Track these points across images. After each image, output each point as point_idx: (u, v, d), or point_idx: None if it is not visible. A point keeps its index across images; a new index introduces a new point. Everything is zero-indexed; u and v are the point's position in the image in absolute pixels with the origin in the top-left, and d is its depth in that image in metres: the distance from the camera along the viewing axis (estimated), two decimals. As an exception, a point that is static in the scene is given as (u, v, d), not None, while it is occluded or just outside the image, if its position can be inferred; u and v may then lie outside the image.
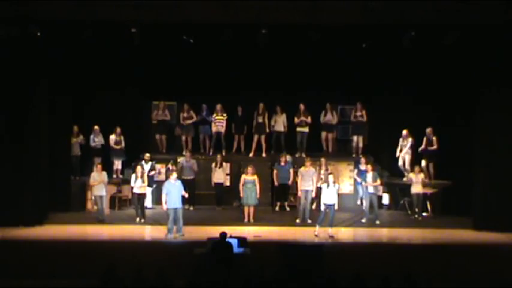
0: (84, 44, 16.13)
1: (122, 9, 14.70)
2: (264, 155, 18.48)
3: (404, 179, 17.52)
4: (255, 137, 18.46)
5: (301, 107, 18.32)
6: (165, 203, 14.97)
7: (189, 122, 18.64)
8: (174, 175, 15.39)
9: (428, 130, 17.21)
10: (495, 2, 14.64)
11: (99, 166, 16.64)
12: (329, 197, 15.21)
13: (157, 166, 17.86)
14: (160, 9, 14.64)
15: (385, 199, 17.89)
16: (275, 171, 17.32)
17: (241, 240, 13.56)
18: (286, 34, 15.89)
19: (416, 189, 16.72)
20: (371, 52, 16.87)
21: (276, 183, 17.37)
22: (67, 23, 15.11)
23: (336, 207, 15.25)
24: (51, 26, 15.21)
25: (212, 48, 16.87)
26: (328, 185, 15.25)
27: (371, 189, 16.39)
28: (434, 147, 17.17)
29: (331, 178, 15.36)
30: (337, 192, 15.38)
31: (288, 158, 17.47)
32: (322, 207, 15.34)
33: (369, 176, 16.39)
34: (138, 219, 16.30)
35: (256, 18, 14.92)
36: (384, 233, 16.05)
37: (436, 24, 15.03)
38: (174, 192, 15.02)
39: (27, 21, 14.96)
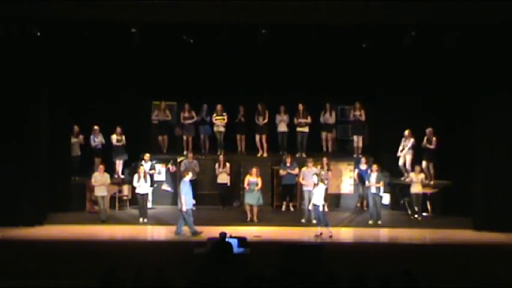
0: (84, 44, 16.13)
1: (122, 9, 14.70)
2: (265, 155, 18.47)
3: (402, 178, 17.54)
4: (257, 137, 18.47)
5: (300, 107, 18.30)
6: (186, 203, 14.98)
7: (189, 122, 18.61)
8: (190, 174, 15.42)
9: (429, 130, 17.19)
10: (495, 2, 14.64)
11: (101, 167, 16.63)
12: (314, 197, 15.25)
13: (158, 166, 17.86)
14: (160, 9, 14.63)
15: (386, 199, 17.87)
16: (282, 172, 17.31)
17: (241, 240, 13.57)
18: (286, 34, 15.88)
19: (416, 189, 16.68)
20: (371, 52, 16.86)
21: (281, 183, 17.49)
22: (67, 23, 15.12)
23: (322, 208, 15.11)
24: (51, 26, 15.22)
25: (212, 48, 16.86)
26: (315, 186, 15.33)
27: (373, 190, 16.34)
28: (433, 146, 17.14)
29: (315, 178, 15.42)
30: (325, 192, 15.33)
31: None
32: (311, 207, 15.43)
33: (373, 176, 16.33)
34: (141, 219, 16.31)
35: (256, 18, 14.93)
36: (384, 233, 16.06)
37: (436, 24, 15.03)
38: (190, 193, 15.10)
39: (26, 21, 14.97)
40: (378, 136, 19.02)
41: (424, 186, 16.84)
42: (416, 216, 16.73)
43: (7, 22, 14.94)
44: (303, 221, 16.34)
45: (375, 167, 16.47)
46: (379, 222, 16.33)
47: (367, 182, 16.50)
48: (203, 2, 14.72)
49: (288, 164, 17.21)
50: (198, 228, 15.08)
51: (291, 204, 17.63)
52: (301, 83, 18.62)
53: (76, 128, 17.70)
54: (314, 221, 15.66)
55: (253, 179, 16.37)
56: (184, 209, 14.94)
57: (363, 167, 17.14)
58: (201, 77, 18.45)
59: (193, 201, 15.38)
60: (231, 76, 18.48)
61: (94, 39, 15.86)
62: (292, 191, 17.53)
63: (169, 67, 18.22)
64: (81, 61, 17.01)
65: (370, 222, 16.35)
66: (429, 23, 14.99)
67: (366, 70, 18.07)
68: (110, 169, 17.50)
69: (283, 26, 15.29)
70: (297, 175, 16.98)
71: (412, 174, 16.86)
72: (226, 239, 13.10)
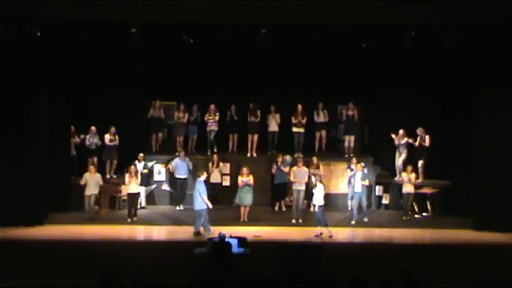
0: (84, 44, 16.12)
1: (121, 9, 14.70)
2: (254, 154, 18.43)
3: (396, 178, 17.55)
4: (249, 137, 18.47)
5: (299, 107, 18.32)
6: (207, 202, 15.05)
7: (180, 122, 18.54)
8: (205, 174, 15.47)
9: (420, 130, 17.20)
10: (495, 2, 14.64)
11: (92, 167, 16.65)
12: (314, 197, 15.29)
13: (157, 166, 17.84)
14: (160, 9, 14.64)
15: (385, 199, 17.88)
16: (273, 171, 17.33)
17: (241, 240, 13.56)
18: (286, 34, 15.88)
19: (407, 188, 16.67)
20: (371, 52, 16.85)
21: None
22: (67, 23, 15.12)
23: (319, 208, 15.14)
24: (51, 26, 15.22)
25: (212, 48, 16.84)
26: (314, 186, 15.40)
27: (358, 189, 16.31)
28: (426, 144, 17.11)
29: (313, 179, 15.44)
30: (323, 192, 15.32)
31: (288, 158, 17.48)
32: (312, 208, 15.34)
33: (358, 175, 16.32)
34: (129, 219, 16.28)
35: (256, 18, 14.93)
36: (383, 233, 16.03)
37: (436, 24, 15.04)
38: (205, 192, 15.12)
39: (26, 21, 14.97)
40: (377, 136, 19.01)
41: (416, 187, 16.84)
42: (416, 215, 16.75)
43: (7, 22, 14.93)
44: (293, 221, 16.29)
45: (359, 166, 16.47)
46: (365, 219, 16.32)
47: (352, 180, 16.47)
48: (203, 2, 14.73)
49: (279, 164, 17.21)
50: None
51: (282, 203, 17.59)
52: (300, 82, 18.62)
53: (72, 128, 17.70)
54: (300, 220, 15.72)
55: (244, 179, 16.36)
56: (210, 206, 15.04)
57: (354, 167, 17.12)
58: (200, 77, 18.44)
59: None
60: (231, 76, 18.46)
61: (94, 39, 15.85)
62: (284, 190, 17.49)
63: (169, 67, 18.21)
64: (81, 61, 17.00)
65: (353, 222, 16.29)
66: (429, 23, 15.00)
67: (366, 70, 18.07)
68: (105, 169, 17.55)
69: (283, 26, 15.30)
70: (288, 174, 16.94)
71: (403, 174, 16.86)
72: (226, 239, 13.10)
